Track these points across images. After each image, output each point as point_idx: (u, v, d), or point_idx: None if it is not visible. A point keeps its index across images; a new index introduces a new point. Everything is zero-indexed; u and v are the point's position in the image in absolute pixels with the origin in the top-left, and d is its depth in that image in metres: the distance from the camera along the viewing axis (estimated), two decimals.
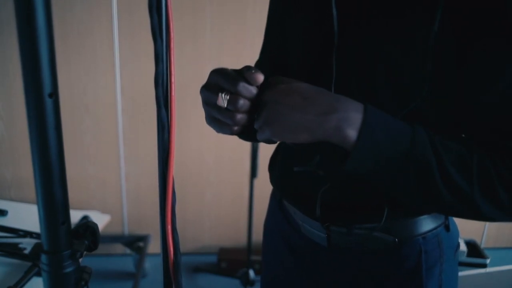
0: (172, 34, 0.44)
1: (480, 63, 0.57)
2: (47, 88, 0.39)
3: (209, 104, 0.62)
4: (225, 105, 0.59)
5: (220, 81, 0.59)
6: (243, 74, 0.58)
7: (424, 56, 0.58)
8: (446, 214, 0.71)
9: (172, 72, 0.45)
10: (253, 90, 0.58)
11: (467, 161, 0.57)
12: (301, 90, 0.57)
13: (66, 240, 0.46)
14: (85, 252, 0.49)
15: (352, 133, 0.56)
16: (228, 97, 0.58)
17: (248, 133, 0.66)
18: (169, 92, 0.46)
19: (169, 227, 0.47)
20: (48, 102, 0.40)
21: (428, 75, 0.59)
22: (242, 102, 0.58)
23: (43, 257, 0.46)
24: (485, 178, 0.57)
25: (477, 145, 0.60)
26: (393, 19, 0.61)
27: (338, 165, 0.59)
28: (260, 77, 0.57)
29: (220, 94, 0.59)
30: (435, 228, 0.73)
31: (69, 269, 0.46)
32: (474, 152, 0.58)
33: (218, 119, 0.62)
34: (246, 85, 0.57)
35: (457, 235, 0.79)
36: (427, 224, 0.72)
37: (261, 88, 0.60)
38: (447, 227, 0.75)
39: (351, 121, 0.56)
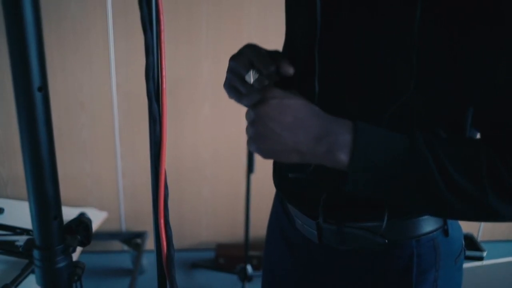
0: (162, 27, 0.44)
1: (466, 54, 0.55)
2: (36, 82, 0.39)
3: (234, 74, 0.65)
4: (252, 81, 0.62)
5: (254, 58, 0.62)
6: (277, 61, 0.61)
7: (409, 48, 0.56)
8: (463, 219, 0.66)
9: (163, 65, 0.45)
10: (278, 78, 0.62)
11: (474, 164, 0.55)
12: (293, 109, 0.56)
13: (58, 235, 0.46)
14: (81, 249, 0.49)
15: (343, 157, 0.55)
16: (257, 76, 0.61)
17: None
18: (160, 85, 0.45)
19: (161, 221, 0.47)
20: (38, 96, 0.40)
21: (414, 68, 0.57)
22: (268, 84, 0.61)
23: (36, 253, 0.46)
24: (496, 177, 0.54)
25: (483, 141, 0.59)
26: (376, 10, 0.59)
27: (340, 186, 0.58)
28: (291, 70, 0.60)
29: (251, 70, 0.62)
30: (431, 232, 0.70)
31: (61, 264, 0.46)
32: (480, 150, 0.56)
33: (237, 89, 0.65)
34: (276, 72, 0.61)
35: (459, 241, 0.75)
36: (422, 227, 0.69)
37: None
38: (445, 231, 0.71)
39: (341, 145, 0.55)
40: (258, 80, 0.61)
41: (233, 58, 0.65)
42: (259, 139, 0.57)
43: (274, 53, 0.66)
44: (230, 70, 0.66)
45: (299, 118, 0.56)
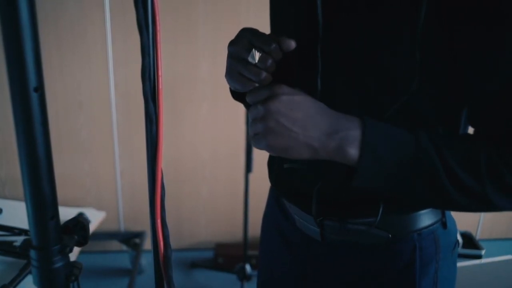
0: (158, 27, 0.44)
1: (466, 53, 0.56)
2: (32, 82, 0.39)
3: (235, 58, 0.63)
4: (255, 61, 0.60)
5: (253, 39, 0.61)
6: (276, 38, 0.59)
7: (412, 47, 0.57)
8: (464, 211, 0.67)
9: (159, 66, 0.45)
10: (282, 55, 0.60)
11: (474, 159, 0.57)
12: (303, 105, 0.57)
13: (55, 235, 0.46)
14: (80, 249, 0.49)
15: (353, 151, 0.56)
16: (260, 54, 0.60)
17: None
18: (157, 86, 0.45)
19: (158, 221, 0.47)
20: (34, 96, 0.40)
21: (418, 66, 0.58)
22: (271, 62, 0.59)
23: (33, 253, 0.46)
24: (495, 172, 0.56)
25: (479, 137, 0.60)
26: (378, 9, 0.60)
27: (346, 182, 0.59)
28: (292, 44, 0.58)
29: (254, 49, 0.60)
30: (431, 225, 0.71)
31: (58, 264, 0.46)
32: (479, 147, 0.58)
33: (241, 74, 0.63)
34: (278, 48, 0.59)
35: (454, 233, 0.77)
36: (422, 220, 0.70)
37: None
38: (444, 224, 0.73)
39: (351, 140, 0.56)
40: (262, 59, 0.59)
41: (232, 43, 0.64)
42: (269, 135, 0.57)
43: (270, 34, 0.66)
44: (231, 56, 0.65)
45: (310, 114, 0.57)
